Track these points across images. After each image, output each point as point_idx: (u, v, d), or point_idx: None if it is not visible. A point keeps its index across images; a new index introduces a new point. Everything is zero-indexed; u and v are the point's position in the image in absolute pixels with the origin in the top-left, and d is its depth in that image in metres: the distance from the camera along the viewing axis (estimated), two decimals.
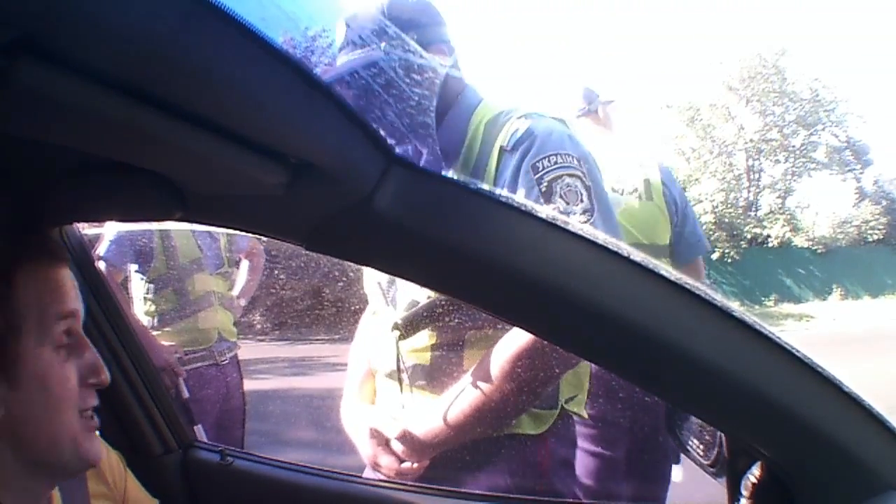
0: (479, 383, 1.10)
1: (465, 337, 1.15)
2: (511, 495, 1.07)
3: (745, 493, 0.69)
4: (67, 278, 0.69)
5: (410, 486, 1.13)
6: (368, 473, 1.22)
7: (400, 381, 1.17)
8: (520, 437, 1.15)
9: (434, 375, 1.17)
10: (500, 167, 1.12)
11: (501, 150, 1.12)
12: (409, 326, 1.13)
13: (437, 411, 1.13)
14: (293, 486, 1.12)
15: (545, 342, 1.02)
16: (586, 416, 1.23)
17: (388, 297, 1.22)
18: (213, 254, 2.46)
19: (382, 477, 1.20)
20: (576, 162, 1.10)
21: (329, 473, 1.13)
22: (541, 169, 1.08)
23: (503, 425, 1.13)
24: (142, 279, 2.37)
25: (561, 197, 1.07)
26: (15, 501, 0.67)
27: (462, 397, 1.11)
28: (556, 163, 1.08)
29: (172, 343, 2.32)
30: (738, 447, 0.71)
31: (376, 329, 1.26)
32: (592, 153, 1.15)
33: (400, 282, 1.21)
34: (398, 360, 1.16)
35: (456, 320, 1.13)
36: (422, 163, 1.15)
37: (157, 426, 1.13)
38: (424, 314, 1.12)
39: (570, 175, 1.08)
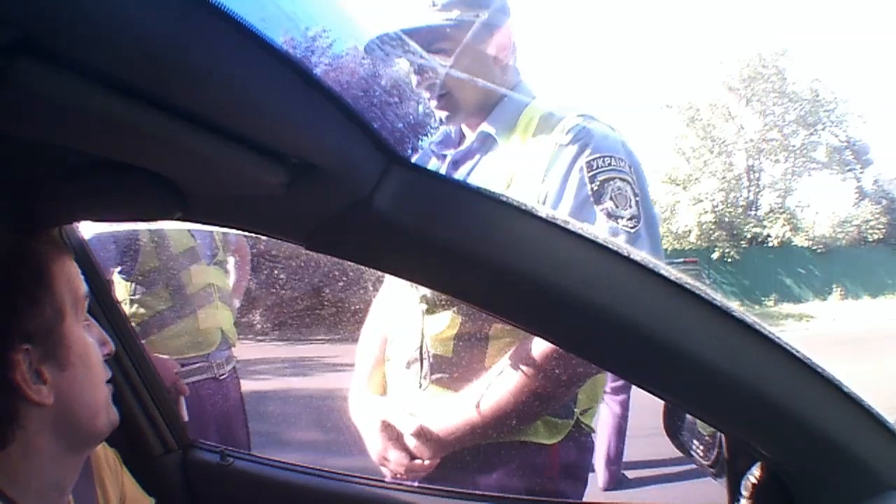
0: (503, 382, 1.09)
1: (489, 330, 1.14)
2: (511, 496, 1.07)
3: (745, 493, 0.69)
4: (76, 265, 0.75)
5: (410, 486, 1.13)
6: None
7: (421, 365, 1.16)
8: (532, 444, 1.14)
9: (455, 369, 1.16)
10: (552, 159, 1.12)
11: (557, 144, 1.12)
12: (436, 300, 1.12)
13: (457, 409, 1.12)
14: (293, 486, 1.12)
15: None
16: (594, 429, 1.22)
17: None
18: (207, 241, 2.14)
19: (388, 472, 1.19)
20: (628, 168, 1.10)
21: (329, 473, 1.13)
22: (595, 168, 1.08)
23: (521, 427, 1.12)
24: (125, 280, 1.98)
25: (611, 199, 1.07)
26: (39, 497, 0.69)
27: (486, 396, 1.09)
28: (609, 164, 1.08)
29: (168, 356, 1.88)
30: (738, 447, 0.71)
31: (397, 305, 1.24)
32: (642, 164, 1.15)
33: None
34: (422, 343, 1.15)
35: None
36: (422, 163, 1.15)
37: (157, 426, 1.13)
38: None
39: (622, 179, 1.08)
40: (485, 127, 1.21)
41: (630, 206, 1.07)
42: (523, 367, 1.07)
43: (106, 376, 0.74)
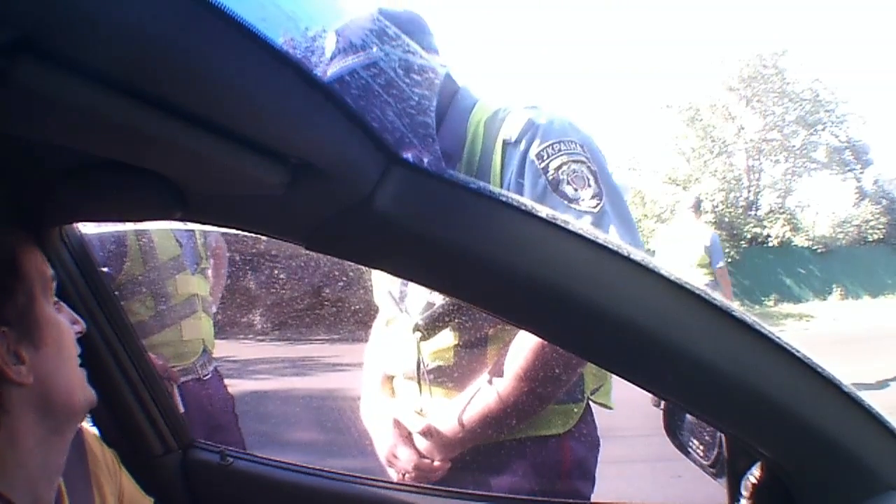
0: (497, 379, 1.10)
1: (487, 334, 1.15)
2: (511, 496, 1.07)
3: (745, 493, 0.69)
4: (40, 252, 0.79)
5: (411, 486, 1.13)
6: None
7: (419, 382, 1.17)
8: (547, 437, 1.14)
9: (457, 375, 1.16)
10: (504, 160, 1.12)
11: (504, 143, 1.12)
12: (430, 327, 1.13)
13: (455, 409, 1.13)
14: (293, 486, 1.12)
15: None
16: (613, 406, 1.21)
17: (402, 306, 1.21)
18: (191, 249, 2.09)
19: (396, 473, 1.19)
20: (579, 148, 1.10)
21: (329, 473, 1.13)
22: (545, 157, 1.08)
23: (523, 422, 1.12)
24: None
25: (569, 183, 1.08)
26: (28, 488, 0.70)
27: (480, 394, 1.11)
28: (559, 150, 1.09)
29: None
30: (738, 447, 0.71)
31: (392, 337, 1.26)
32: (593, 138, 1.15)
33: (411, 287, 1.20)
34: (419, 363, 1.16)
35: (477, 317, 1.13)
36: (422, 163, 1.15)
37: (157, 426, 1.12)
38: (444, 313, 1.12)
39: (575, 161, 1.08)
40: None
41: (589, 185, 1.08)
42: (515, 364, 1.09)
43: (78, 352, 0.78)
